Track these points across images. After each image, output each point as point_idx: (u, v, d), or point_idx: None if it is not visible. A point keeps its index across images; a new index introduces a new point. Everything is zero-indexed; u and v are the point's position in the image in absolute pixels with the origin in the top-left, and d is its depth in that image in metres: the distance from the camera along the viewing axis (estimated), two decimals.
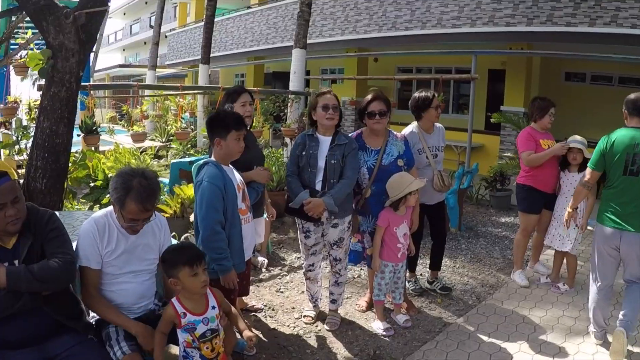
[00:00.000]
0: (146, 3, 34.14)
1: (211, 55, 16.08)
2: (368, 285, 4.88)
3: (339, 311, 4.57)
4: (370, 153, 4.25)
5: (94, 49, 32.66)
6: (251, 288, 5.16)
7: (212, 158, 3.54)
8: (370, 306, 4.72)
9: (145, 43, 32.68)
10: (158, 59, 22.55)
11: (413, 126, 4.81)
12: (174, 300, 2.88)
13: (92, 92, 7.34)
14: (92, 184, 6.61)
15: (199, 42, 17.26)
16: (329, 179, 4.04)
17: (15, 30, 7.86)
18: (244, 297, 4.72)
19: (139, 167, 2.97)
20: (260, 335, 4.28)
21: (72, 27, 4.85)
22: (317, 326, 4.46)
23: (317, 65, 18.59)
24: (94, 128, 6.84)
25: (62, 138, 5.07)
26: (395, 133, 4.39)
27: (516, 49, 11.96)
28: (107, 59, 43.44)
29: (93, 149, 7.10)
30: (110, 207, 2.99)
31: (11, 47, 9.18)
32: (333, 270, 4.42)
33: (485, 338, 4.25)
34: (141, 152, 9.57)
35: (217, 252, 3.34)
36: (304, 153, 4.10)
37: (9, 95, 8.69)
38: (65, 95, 5.06)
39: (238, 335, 4.14)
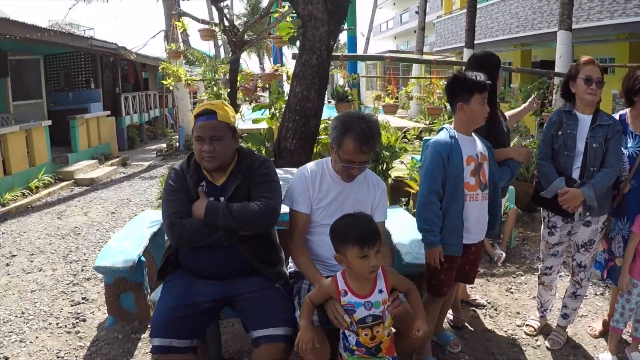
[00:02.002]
0: None
1: (477, 42, 15.66)
2: (609, 305, 3.99)
3: (567, 329, 3.84)
4: (635, 138, 3.43)
5: (364, 35, 34.29)
6: (480, 281, 4.77)
7: (451, 125, 3.21)
8: (605, 332, 3.84)
9: (415, 31, 33.37)
10: (427, 46, 22.74)
11: None
12: (338, 274, 2.58)
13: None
14: None
15: (464, 28, 16.87)
16: (588, 166, 3.36)
17: (274, 8, 8.41)
18: (468, 290, 4.35)
19: (360, 112, 2.92)
20: (471, 330, 3.89)
21: None
22: (537, 340, 3.81)
23: (585, 53, 16.75)
24: (345, 96, 6.94)
25: (313, 103, 5.30)
26: None
27: None
28: (379, 45, 45.85)
29: None
30: (328, 157, 2.96)
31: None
32: (574, 278, 3.69)
33: None
34: (404, 132, 9.52)
35: (425, 223, 3.04)
36: (560, 133, 3.47)
37: (279, 64, 9.47)
38: (316, 63, 5.28)
39: (446, 325, 3.87)
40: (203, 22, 8.24)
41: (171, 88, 11.44)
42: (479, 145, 3.19)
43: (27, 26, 9.71)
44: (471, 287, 4.61)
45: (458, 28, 22.43)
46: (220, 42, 28.15)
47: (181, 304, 2.67)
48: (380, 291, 2.53)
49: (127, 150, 15.34)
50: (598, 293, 4.63)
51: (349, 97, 7.01)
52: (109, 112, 14.12)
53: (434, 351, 3.39)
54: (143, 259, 3.73)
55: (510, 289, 4.69)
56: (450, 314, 3.95)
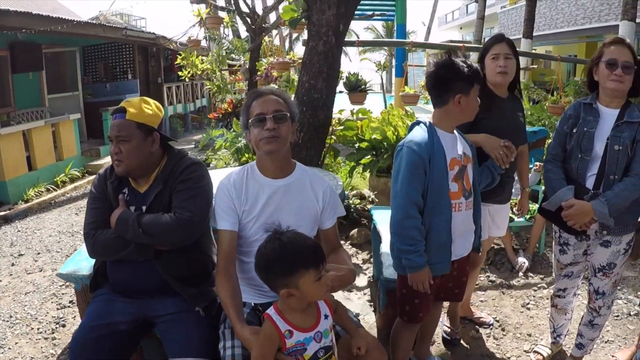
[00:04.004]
0: None
1: (540, 33, 14.89)
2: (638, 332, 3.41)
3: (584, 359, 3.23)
4: None
5: (425, 24, 33.88)
6: (493, 294, 4.26)
7: (430, 119, 2.63)
8: None
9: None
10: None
11: None
12: (271, 312, 2.02)
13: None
14: (357, 145, 6.30)
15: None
16: (607, 173, 2.70)
17: None
18: (472, 305, 3.83)
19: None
20: (467, 354, 3.36)
21: None
22: None
23: None
24: (359, 85, 6.45)
25: (320, 93, 4.98)
26: None
27: None
28: (444, 36, 45.62)
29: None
30: (253, 162, 2.50)
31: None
32: (590, 305, 3.05)
33: None
34: None
35: (406, 242, 2.48)
36: (574, 130, 2.83)
37: None
38: (322, 49, 5.00)
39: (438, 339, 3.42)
40: (216, 7, 7.92)
41: (187, 80, 11.19)
42: (462, 144, 2.64)
43: (52, 19, 9.60)
44: (480, 301, 4.10)
45: (522, 18, 21.62)
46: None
47: (98, 324, 2.39)
48: (326, 316, 2.05)
49: None
50: (632, 313, 3.96)
51: (364, 87, 6.45)
52: None
53: None
54: None
55: (528, 304, 4.11)
56: (446, 326, 3.50)
